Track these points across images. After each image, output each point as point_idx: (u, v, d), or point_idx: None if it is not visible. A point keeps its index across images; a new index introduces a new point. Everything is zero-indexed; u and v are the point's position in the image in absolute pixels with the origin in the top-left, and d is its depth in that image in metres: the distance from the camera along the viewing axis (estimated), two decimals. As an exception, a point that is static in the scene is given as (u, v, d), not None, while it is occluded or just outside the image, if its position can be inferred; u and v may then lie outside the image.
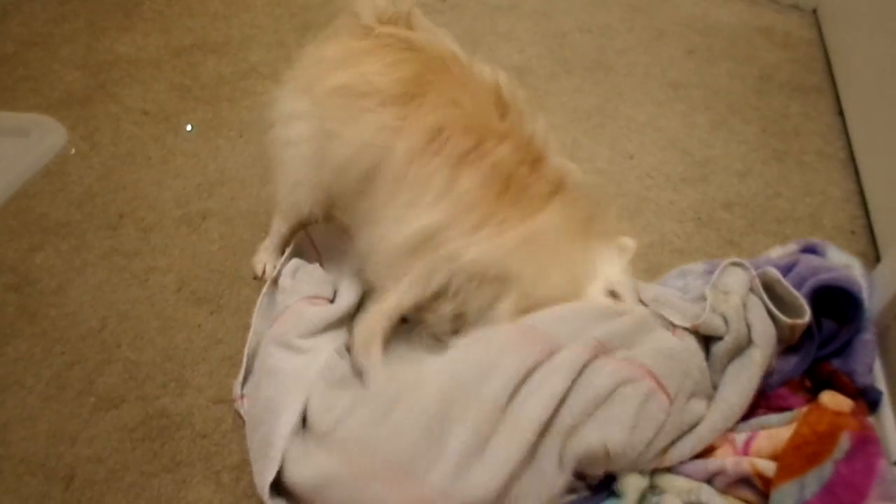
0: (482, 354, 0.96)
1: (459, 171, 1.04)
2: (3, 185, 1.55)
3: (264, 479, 0.97)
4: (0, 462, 1.09)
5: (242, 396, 1.14)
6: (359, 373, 1.08)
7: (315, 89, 1.14)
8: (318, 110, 1.13)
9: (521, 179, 1.06)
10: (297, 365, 1.06)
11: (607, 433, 0.91)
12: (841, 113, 1.78)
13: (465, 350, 0.96)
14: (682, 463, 0.97)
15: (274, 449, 0.98)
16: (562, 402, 0.93)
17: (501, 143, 1.06)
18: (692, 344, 1.04)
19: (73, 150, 1.67)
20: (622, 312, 1.05)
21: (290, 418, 1.00)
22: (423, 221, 1.04)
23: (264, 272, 1.34)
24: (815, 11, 2.17)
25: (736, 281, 1.08)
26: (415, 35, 1.14)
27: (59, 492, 1.05)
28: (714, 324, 1.03)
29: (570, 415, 0.92)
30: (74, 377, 1.21)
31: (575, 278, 1.09)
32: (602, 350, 0.97)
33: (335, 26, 1.19)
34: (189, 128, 1.74)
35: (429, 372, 0.96)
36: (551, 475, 0.92)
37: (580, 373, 0.94)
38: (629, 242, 1.16)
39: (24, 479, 1.07)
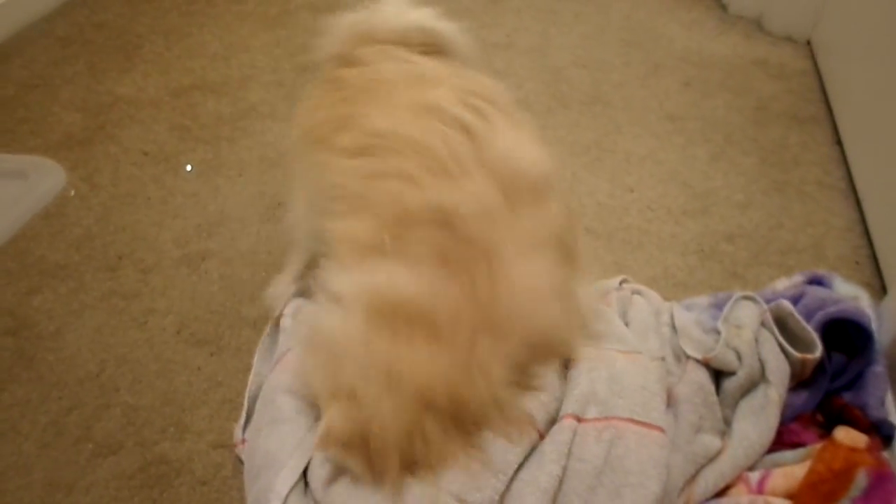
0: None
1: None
2: (2, 228, 1.55)
3: None
4: (-5, 513, 1.07)
5: (243, 441, 1.11)
6: None
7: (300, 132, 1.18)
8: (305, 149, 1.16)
9: None
10: (300, 416, 1.03)
11: None
12: (839, 142, 1.79)
13: None
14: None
15: None
16: (560, 485, 0.90)
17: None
18: (701, 376, 1.02)
19: (72, 192, 1.67)
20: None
21: (288, 476, 0.97)
22: None
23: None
24: (808, 42, 2.20)
25: (748, 315, 1.07)
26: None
27: (55, 543, 1.03)
28: (727, 358, 1.02)
29: (577, 495, 0.90)
30: (72, 423, 1.18)
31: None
32: (577, 418, 0.95)
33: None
34: (189, 168, 1.74)
35: None
36: None
37: (569, 454, 0.92)
38: None
39: (19, 531, 1.04)
